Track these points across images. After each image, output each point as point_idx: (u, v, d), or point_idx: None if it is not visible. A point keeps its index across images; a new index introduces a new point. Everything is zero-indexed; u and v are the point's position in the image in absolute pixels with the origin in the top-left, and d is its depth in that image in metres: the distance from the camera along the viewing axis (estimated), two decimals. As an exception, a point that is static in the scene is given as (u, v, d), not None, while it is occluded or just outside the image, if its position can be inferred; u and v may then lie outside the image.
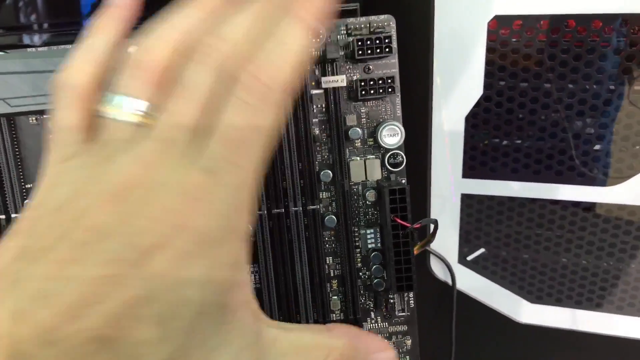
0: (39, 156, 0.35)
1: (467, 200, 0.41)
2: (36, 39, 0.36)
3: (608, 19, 0.34)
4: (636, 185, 0.37)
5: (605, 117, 0.37)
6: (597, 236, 0.40)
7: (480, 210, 0.42)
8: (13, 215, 0.35)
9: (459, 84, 0.38)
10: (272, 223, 0.35)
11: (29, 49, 0.34)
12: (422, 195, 0.41)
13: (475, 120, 0.39)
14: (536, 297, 0.43)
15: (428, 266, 0.43)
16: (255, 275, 0.36)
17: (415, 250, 0.34)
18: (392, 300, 0.36)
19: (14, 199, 0.35)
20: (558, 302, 0.42)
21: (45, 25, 0.36)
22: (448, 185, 0.41)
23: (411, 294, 0.36)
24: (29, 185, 0.35)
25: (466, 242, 0.43)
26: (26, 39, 0.36)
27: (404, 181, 0.35)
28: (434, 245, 0.43)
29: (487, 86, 0.38)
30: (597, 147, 0.38)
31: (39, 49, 0.34)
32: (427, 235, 0.36)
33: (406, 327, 0.36)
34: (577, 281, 0.41)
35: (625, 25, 0.34)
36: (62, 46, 0.33)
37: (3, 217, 0.35)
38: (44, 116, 0.34)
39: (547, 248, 0.41)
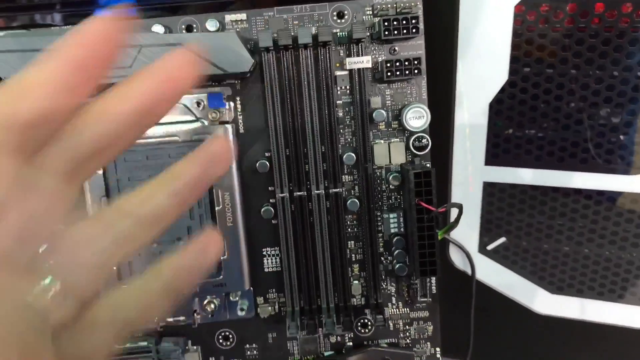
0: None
1: (489, 189, 0.41)
2: (48, 18, 0.36)
3: (639, 2, 0.33)
4: (664, 174, 0.36)
5: (634, 104, 0.36)
6: (621, 226, 0.39)
7: (502, 199, 0.41)
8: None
9: (483, 69, 0.38)
10: (294, 206, 0.34)
11: (52, 28, 0.34)
12: (443, 182, 0.41)
13: (500, 107, 0.38)
14: (557, 287, 0.42)
15: (447, 255, 0.43)
16: (276, 259, 0.36)
17: (439, 236, 0.34)
18: (414, 286, 0.35)
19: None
20: (579, 293, 0.42)
21: (58, 6, 0.36)
22: (470, 173, 0.41)
23: (433, 280, 0.35)
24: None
25: (487, 231, 0.42)
26: (37, 19, 0.36)
27: (428, 165, 0.34)
28: (454, 234, 0.42)
29: (512, 72, 0.37)
30: (624, 135, 0.37)
31: (63, 27, 0.33)
32: (447, 222, 0.36)
33: (428, 313, 0.36)
34: (599, 272, 0.41)
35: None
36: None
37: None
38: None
39: (570, 238, 0.41)
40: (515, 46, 0.37)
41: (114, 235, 0.16)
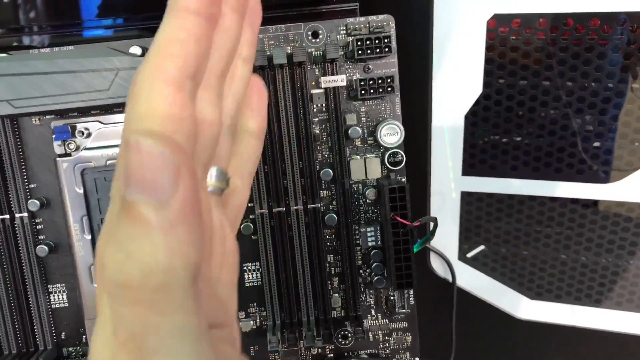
0: (41, 156, 0.35)
1: (467, 198, 0.42)
2: (37, 40, 0.36)
3: (606, 18, 0.34)
4: (635, 181, 0.37)
5: (603, 115, 0.37)
6: (596, 233, 0.40)
7: (479, 208, 0.42)
8: (17, 215, 0.35)
9: (458, 82, 0.38)
10: (273, 221, 0.35)
11: (31, 51, 0.34)
12: (422, 193, 0.41)
13: (475, 119, 0.39)
14: (536, 293, 0.43)
15: (428, 263, 0.44)
16: (256, 273, 0.36)
17: (414, 250, 0.34)
18: (392, 298, 0.36)
19: (18, 199, 0.35)
20: (557, 298, 0.42)
21: (45, 27, 0.36)
22: (448, 183, 0.41)
23: (411, 291, 0.36)
24: (32, 185, 0.35)
25: (466, 239, 0.43)
26: (26, 40, 0.36)
27: (403, 179, 0.35)
28: (434, 243, 0.43)
29: (486, 84, 0.38)
30: (595, 144, 0.38)
31: (42, 50, 0.34)
32: (426, 232, 0.37)
33: (406, 324, 0.36)
34: (576, 277, 0.42)
35: (623, 24, 0.34)
36: (65, 47, 0.34)
37: (7, 216, 0.35)
38: (47, 117, 0.34)
39: (547, 245, 0.42)
40: (488, 60, 0.38)
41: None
